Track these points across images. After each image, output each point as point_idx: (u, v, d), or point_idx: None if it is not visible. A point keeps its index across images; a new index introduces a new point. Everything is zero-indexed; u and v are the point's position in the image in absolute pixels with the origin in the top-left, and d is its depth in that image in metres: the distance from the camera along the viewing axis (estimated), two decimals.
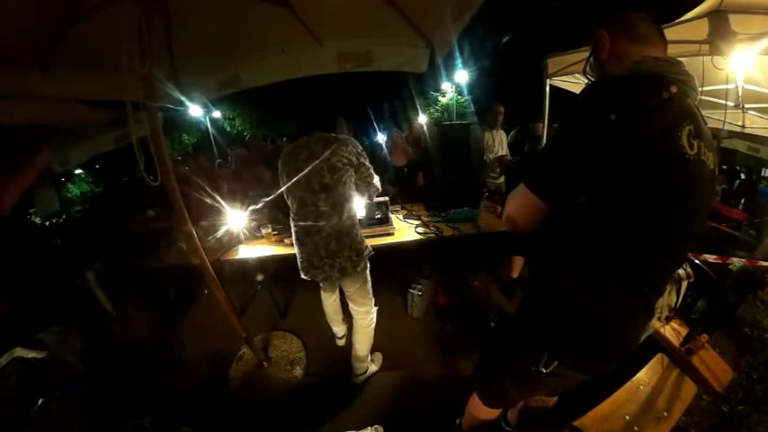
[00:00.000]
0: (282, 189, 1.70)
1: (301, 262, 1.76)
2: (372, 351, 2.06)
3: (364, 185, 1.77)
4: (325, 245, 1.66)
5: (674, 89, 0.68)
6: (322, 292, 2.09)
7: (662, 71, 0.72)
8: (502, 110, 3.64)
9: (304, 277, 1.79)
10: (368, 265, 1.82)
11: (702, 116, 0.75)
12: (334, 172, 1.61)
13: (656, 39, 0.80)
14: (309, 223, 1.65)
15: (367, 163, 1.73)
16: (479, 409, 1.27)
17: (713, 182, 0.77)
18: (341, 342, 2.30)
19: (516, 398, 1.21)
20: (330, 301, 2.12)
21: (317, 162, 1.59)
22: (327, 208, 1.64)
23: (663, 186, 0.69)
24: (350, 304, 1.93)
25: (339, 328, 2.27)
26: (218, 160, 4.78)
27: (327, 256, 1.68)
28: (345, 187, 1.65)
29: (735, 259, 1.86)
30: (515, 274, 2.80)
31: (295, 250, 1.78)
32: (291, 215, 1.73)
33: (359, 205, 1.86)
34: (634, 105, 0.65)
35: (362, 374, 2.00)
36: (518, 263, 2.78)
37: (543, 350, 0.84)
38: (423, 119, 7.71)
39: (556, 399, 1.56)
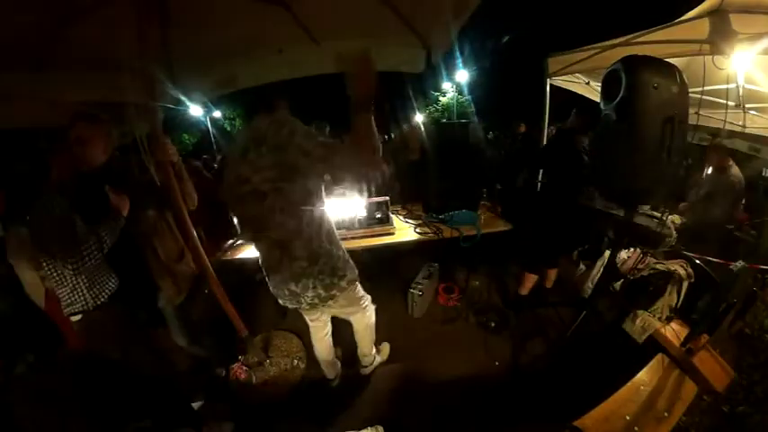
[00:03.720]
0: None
1: (272, 287, 1.39)
2: (379, 342, 2.06)
3: (335, 170, 1.19)
4: (291, 271, 1.27)
5: None
6: (309, 321, 1.71)
7: None
8: (522, 127, 3.67)
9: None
10: (357, 278, 1.49)
11: None
12: (288, 170, 1.16)
13: None
14: (267, 243, 1.26)
15: (322, 141, 1.20)
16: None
17: None
18: (334, 384, 1.96)
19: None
20: (320, 335, 1.75)
21: (262, 158, 1.16)
22: (286, 221, 1.20)
23: None
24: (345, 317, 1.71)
25: (331, 371, 1.92)
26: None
27: (302, 288, 1.31)
28: (305, 189, 1.20)
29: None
30: (524, 292, 2.61)
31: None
32: (242, 232, 1.35)
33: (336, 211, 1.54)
34: None
35: (369, 366, 2.01)
36: (529, 281, 2.58)
37: None
38: (422, 118, 7.67)
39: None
